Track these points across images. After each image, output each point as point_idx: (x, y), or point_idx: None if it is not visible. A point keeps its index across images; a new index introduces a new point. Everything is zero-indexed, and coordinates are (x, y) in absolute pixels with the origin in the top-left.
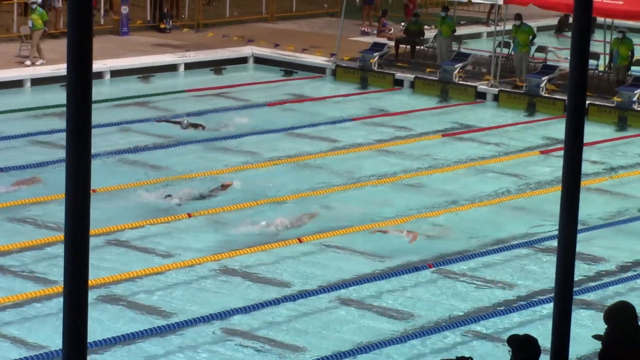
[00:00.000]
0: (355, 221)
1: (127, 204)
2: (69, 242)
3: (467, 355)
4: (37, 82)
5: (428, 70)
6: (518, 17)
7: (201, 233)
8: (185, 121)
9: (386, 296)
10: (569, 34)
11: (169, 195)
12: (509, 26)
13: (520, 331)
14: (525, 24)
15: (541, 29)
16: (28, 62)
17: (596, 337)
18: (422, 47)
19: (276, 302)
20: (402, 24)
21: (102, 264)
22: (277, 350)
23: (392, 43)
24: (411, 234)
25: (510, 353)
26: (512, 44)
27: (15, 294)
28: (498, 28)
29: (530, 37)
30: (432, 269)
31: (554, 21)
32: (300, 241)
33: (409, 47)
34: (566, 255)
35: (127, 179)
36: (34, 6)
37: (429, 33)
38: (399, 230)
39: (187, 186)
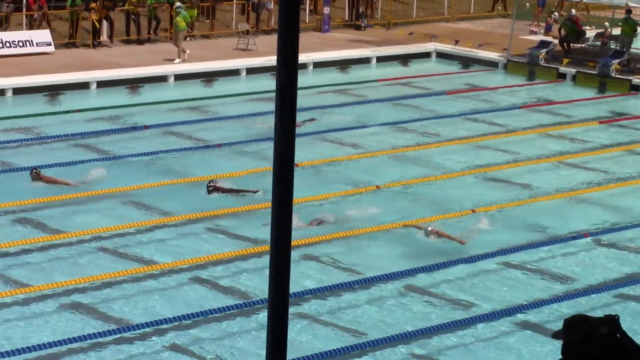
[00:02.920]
0: (518, 194)
1: (323, 178)
2: (275, 207)
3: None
4: (251, 71)
5: (589, 65)
6: None
7: (388, 202)
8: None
9: (547, 261)
10: None
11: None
12: None
13: None
14: None
15: None
16: (177, 60)
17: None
18: (583, 45)
19: (452, 263)
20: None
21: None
22: (451, 305)
23: (557, 41)
24: (434, 232)
25: None
26: None
27: (226, 252)
28: None
29: None
30: (588, 238)
31: None
32: (473, 211)
33: (572, 44)
34: None
35: (327, 154)
36: (179, 10)
37: (590, 32)
38: (424, 227)
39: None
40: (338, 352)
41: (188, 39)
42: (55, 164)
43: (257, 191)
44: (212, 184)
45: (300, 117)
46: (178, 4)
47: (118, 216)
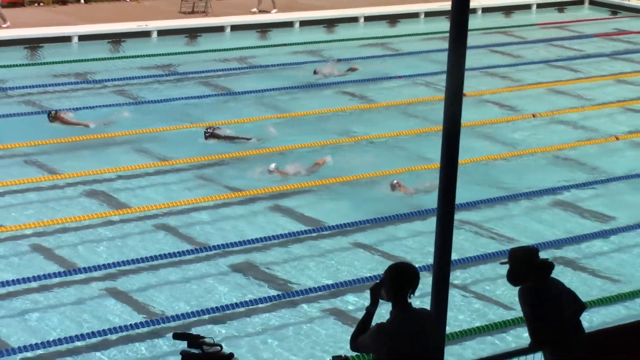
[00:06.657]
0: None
1: (485, 106)
2: (446, 126)
3: None
4: (429, 14)
5: None
6: None
7: (542, 129)
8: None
9: None
10: None
11: None
12: None
13: None
14: None
15: None
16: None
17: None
18: None
19: (588, 184)
20: None
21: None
22: (584, 217)
23: None
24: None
25: None
26: None
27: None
28: None
29: None
30: None
31: None
32: (617, 138)
33: None
34: None
35: (490, 86)
36: None
37: None
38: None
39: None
40: (493, 255)
41: None
42: (269, 89)
43: (250, 139)
44: (209, 130)
45: (343, 66)
46: None
47: (311, 132)
